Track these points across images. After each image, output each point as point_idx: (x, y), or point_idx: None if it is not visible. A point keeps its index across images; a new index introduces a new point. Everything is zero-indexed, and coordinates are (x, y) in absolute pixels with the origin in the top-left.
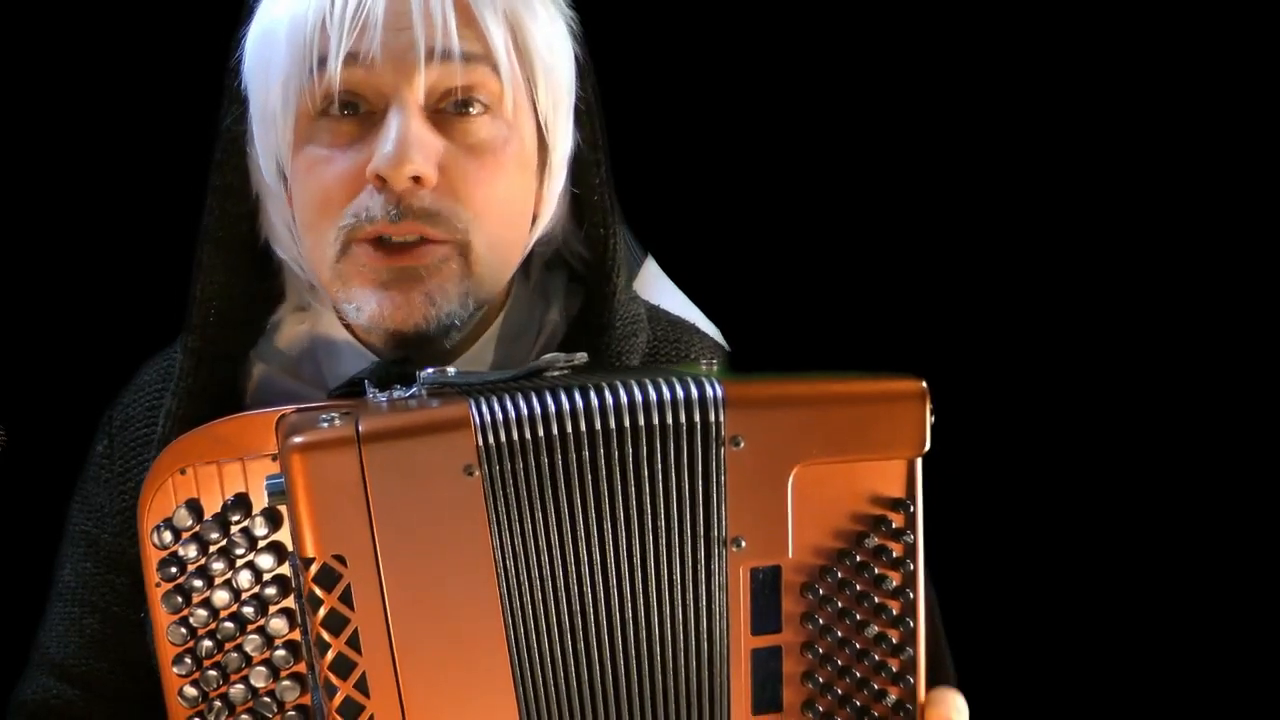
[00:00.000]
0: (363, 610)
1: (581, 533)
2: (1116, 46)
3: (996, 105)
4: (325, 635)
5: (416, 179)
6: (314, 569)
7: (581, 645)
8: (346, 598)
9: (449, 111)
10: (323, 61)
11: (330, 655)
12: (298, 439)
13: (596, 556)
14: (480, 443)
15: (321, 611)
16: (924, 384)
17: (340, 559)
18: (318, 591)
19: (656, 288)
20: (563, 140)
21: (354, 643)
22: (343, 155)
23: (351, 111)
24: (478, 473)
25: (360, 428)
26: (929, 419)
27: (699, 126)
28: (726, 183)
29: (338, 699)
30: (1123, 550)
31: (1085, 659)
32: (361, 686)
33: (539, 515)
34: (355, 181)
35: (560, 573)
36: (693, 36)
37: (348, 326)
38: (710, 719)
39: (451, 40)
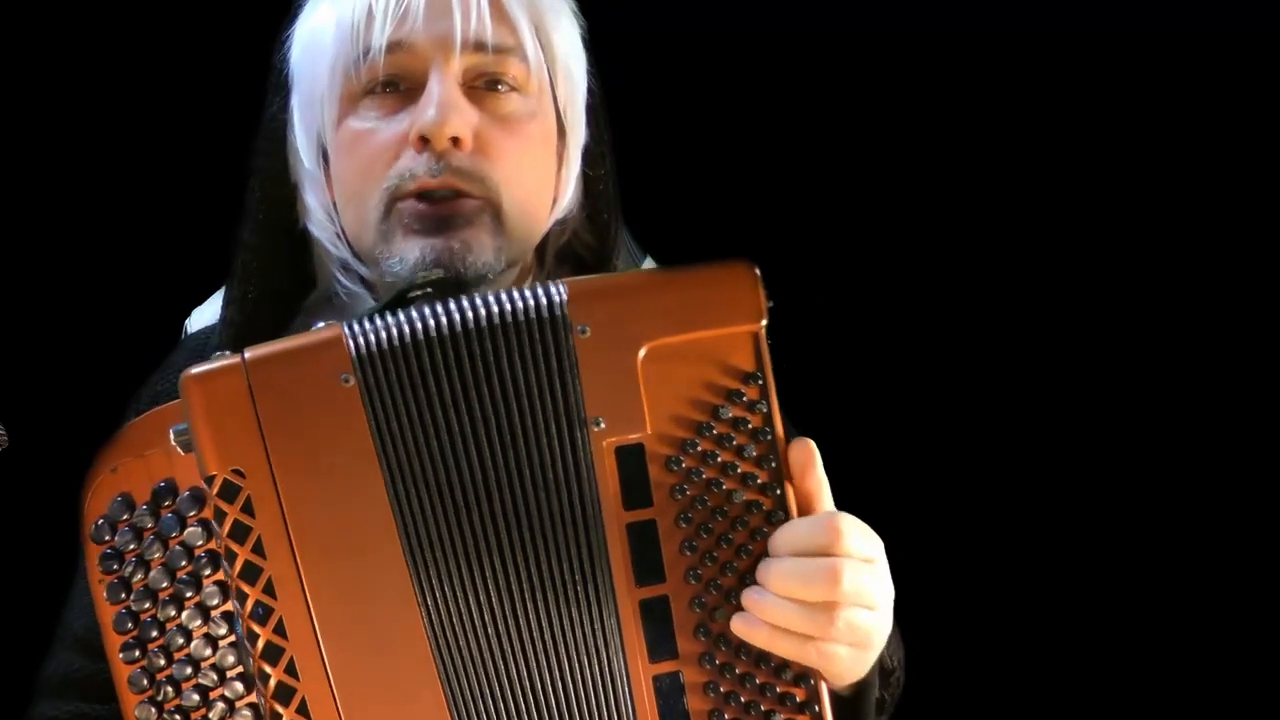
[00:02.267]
0: (263, 517)
1: (455, 425)
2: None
3: (993, 106)
4: (232, 546)
5: (455, 140)
6: (216, 485)
7: (467, 526)
8: (248, 508)
9: (480, 88)
10: (368, 51)
11: (238, 564)
12: (192, 371)
13: (471, 444)
14: (353, 354)
15: (227, 525)
16: (754, 264)
17: (239, 473)
18: (222, 506)
19: None
20: (578, 131)
21: (259, 549)
22: (385, 125)
23: (393, 89)
24: (353, 380)
25: (245, 355)
26: (764, 297)
27: (699, 129)
28: (726, 185)
29: (249, 604)
30: (1110, 544)
31: (1079, 657)
32: (269, 590)
33: (413, 412)
34: (398, 146)
35: (440, 462)
36: (690, 39)
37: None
38: (595, 589)
39: (485, 30)
